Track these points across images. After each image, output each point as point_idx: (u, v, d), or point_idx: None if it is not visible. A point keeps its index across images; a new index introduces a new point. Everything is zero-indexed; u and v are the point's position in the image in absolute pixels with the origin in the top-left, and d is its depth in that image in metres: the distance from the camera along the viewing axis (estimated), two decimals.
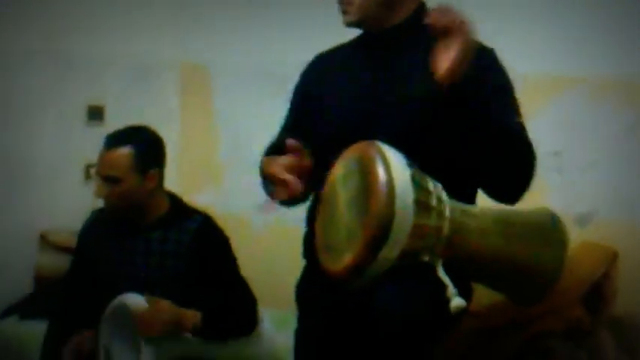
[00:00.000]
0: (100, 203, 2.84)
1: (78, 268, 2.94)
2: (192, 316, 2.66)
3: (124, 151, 2.73)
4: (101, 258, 2.85)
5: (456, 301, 1.86)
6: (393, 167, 1.84)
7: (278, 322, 3.16)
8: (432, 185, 1.91)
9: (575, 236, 2.15)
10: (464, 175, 2.07)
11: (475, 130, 2.00)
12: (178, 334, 2.65)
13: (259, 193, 4.01)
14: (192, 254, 2.75)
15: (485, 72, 2.04)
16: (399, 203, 1.81)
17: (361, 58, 2.25)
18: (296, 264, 3.74)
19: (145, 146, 2.79)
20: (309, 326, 2.31)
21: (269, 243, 3.82)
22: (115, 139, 2.76)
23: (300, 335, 2.34)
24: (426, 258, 1.89)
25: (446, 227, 1.89)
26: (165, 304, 2.63)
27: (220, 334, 2.74)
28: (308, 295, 2.33)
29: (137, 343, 2.60)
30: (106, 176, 2.73)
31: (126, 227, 2.81)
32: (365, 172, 1.87)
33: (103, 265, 2.83)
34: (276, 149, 2.35)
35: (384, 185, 1.82)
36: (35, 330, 3.26)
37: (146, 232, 2.79)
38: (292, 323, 3.42)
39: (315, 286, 2.26)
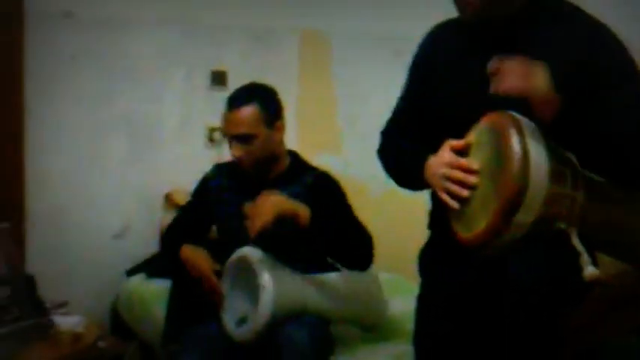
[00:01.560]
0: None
1: (191, 212, 3.05)
2: (304, 210, 2.72)
3: (252, 108, 2.82)
4: (221, 212, 2.95)
5: (590, 270, 1.85)
6: (528, 135, 1.86)
7: (393, 287, 3.19)
8: (565, 154, 1.90)
9: None
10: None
11: (598, 122, 1.95)
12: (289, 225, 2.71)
13: (376, 160, 4.05)
14: (308, 206, 2.80)
15: (600, 55, 2.00)
16: (533, 170, 1.83)
17: (481, 35, 2.18)
18: (412, 231, 3.77)
19: (268, 100, 2.89)
20: (432, 294, 2.31)
21: (386, 210, 3.84)
22: (238, 99, 2.86)
23: (423, 301, 2.34)
24: (562, 226, 1.88)
25: (581, 196, 1.88)
26: (276, 193, 2.72)
27: (336, 252, 2.80)
28: (432, 265, 2.32)
29: (256, 295, 2.68)
30: (238, 135, 2.81)
31: (248, 184, 2.89)
32: (499, 141, 1.89)
33: (222, 220, 2.93)
34: (396, 124, 2.35)
35: (518, 153, 1.84)
36: (160, 288, 3.40)
37: (266, 188, 2.86)
38: (407, 289, 3.48)
39: (440, 257, 2.26)
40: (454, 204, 2.00)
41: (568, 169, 1.89)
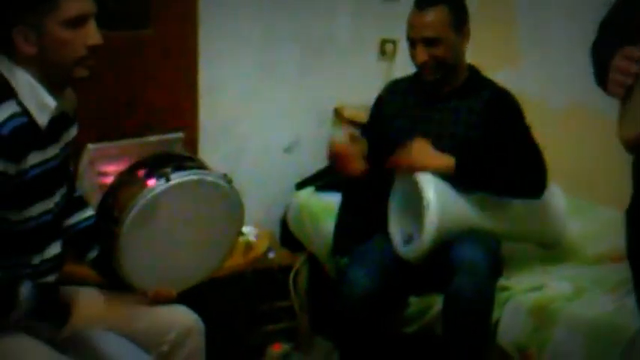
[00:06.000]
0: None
1: (370, 132, 3.10)
2: (447, 159, 2.76)
3: (441, 10, 2.82)
4: (393, 126, 2.99)
5: None
6: None
7: (573, 209, 3.15)
8: None
9: None
10: None
11: None
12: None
13: (555, 74, 3.95)
14: (484, 121, 2.81)
15: None
16: None
17: None
18: (592, 148, 3.69)
19: (457, 3, 2.88)
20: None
21: (568, 127, 3.74)
22: (428, 0, 2.84)
23: (631, 215, 2.21)
24: None
25: None
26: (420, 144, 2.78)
27: (504, 189, 2.81)
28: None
29: (422, 214, 2.72)
30: (424, 38, 2.82)
31: (422, 97, 2.92)
32: None
33: (394, 134, 2.95)
34: (615, 15, 2.18)
35: None
36: (329, 202, 3.51)
37: (441, 103, 2.89)
38: (588, 210, 3.42)
39: None
40: (619, 92, 1.93)
41: None
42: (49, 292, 2.13)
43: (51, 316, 2.11)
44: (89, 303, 2.23)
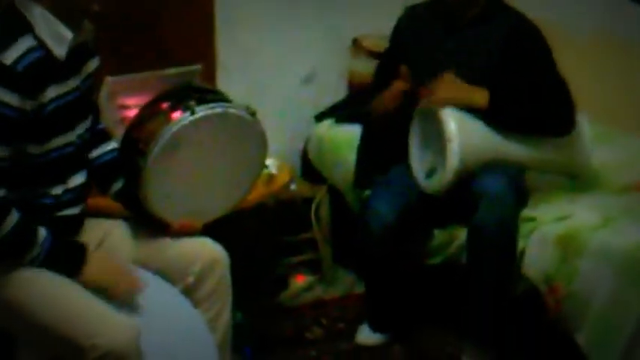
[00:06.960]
0: None
1: (388, 58, 3.06)
2: (482, 95, 2.71)
3: None
4: (412, 54, 2.94)
5: None
6: None
7: (600, 137, 3.12)
8: None
9: None
10: None
11: None
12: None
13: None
14: (505, 49, 2.76)
15: None
16: None
17: None
18: (617, 76, 3.63)
19: None
20: None
21: (593, 56, 3.68)
22: None
23: None
24: None
25: None
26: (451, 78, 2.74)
27: (529, 127, 2.78)
28: None
29: (444, 146, 2.69)
30: None
31: (441, 24, 2.88)
32: None
33: (413, 62, 2.90)
34: None
35: None
36: (350, 134, 3.48)
37: (460, 30, 2.84)
38: (614, 139, 3.39)
39: None
40: None
41: None
42: (65, 240, 2.11)
43: (63, 264, 2.07)
44: (105, 259, 2.15)
